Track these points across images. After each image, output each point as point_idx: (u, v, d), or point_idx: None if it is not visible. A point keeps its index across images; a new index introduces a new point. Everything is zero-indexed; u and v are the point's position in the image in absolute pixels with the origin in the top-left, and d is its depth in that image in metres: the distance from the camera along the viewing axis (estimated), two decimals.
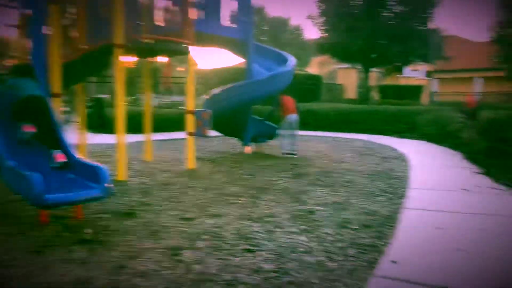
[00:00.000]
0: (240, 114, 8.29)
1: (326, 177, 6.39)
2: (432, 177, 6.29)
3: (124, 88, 6.06)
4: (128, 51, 6.24)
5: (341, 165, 7.47)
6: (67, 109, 10.79)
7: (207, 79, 17.55)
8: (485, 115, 8.36)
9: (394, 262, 3.08)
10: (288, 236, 3.73)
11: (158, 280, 2.83)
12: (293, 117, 8.48)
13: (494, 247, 3.36)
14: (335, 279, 2.86)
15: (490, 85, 26.17)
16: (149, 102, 7.82)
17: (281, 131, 8.60)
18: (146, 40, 6.21)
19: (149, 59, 7.44)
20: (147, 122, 7.78)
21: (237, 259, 3.21)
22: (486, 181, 5.93)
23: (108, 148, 9.04)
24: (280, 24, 31.04)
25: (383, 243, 3.56)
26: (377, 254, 3.31)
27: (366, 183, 5.99)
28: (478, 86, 32.87)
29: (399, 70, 22.72)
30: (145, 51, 6.76)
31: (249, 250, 3.39)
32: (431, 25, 16.91)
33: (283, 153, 8.44)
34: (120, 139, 6.00)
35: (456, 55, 31.42)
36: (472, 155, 7.85)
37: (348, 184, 5.95)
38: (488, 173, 6.38)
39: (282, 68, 8.01)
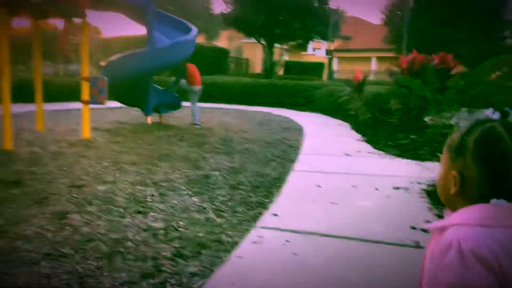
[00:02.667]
0: (141, 83, 8.11)
1: (225, 146, 6.61)
2: (322, 145, 6.82)
3: (10, 55, 5.64)
4: (14, 11, 5.76)
5: (240, 135, 7.75)
6: None
7: (111, 48, 16.63)
8: (370, 90, 9.18)
9: (275, 215, 3.38)
10: (181, 198, 3.87)
11: (42, 242, 2.79)
12: (199, 88, 8.64)
13: (361, 199, 3.82)
14: (221, 231, 3.07)
15: (385, 65, 28.43)
16: (39, 70, 7.28)
17: (190, 102, 8.64)
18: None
19: (42, 22, 6.91)
20: (38, 91, 7.26)
21: (127, 220, 3.27)
22: (366, 147, 6.60)
23: None
24: None
25: (269, 201, 3.86)
26: (262, 210, 3.59)
27: (261, 150, 6.32)
28: (374, 65, 35.40)
29: (303, 47, 23.60)
30: (34, 12, 6.28)
31: (140, 212, 3.46)
32: (331, 4, 17.86)
33: (194, 124, 8.51)
34: (5, 108, 5.58)
35: (354, 35, 33.44)
36: (358, 125, 8.63)
37: (245, 151, 6.23)
38: (369, 140, 7.09)
39: (184, 37, 7.95)
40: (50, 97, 11.18)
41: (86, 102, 6.62)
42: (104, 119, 9.31)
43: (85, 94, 6.61)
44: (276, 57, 19.47)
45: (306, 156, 5.89)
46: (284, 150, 6.39)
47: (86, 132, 6.71)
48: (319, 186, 4.28)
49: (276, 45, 19.06)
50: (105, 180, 4.41)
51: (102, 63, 7.62)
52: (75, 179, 4.37)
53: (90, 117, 6.79)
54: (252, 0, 16.95)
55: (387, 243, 2.82)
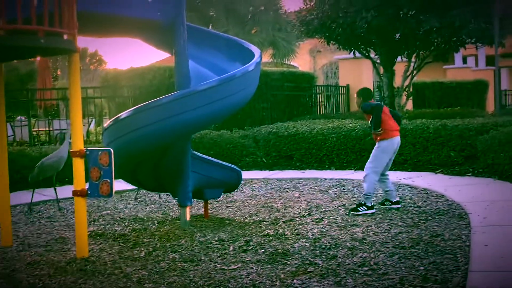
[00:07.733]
0: (171, 152, 8.15)
1: (324, 259, 6.28)
2: None
3: None
4: None
5: (349, 232, 7.40)
6: None
7: (121, 89, 17.45)
8: None
9: None
10: None
11: None
12: (397, 140, 8.88)
13: None
14: None
15: None
16: (3, 135, 7.57)
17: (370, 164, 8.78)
18: None
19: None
20: (2, 171, 7.49)
21: None
22: None
23: None
24: None
25: None
26: None
27: (393, 264, 5.95)
28: None
29: (444, 58, 23.05)
30: None
31: None
32: None
33: (390, 203, 8.63)
34: None
35: None
36: None
37: (364, 268, 5.86)
38: None
39: (241, 68, 7.98)
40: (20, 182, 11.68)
41: (80, 194, 6.66)
42: (112, 214, 9.47)
43: (79, 179, 6.67)
44: (398, 78, 19.06)
45: (484, 275, 5.39)
46: (436, 263, 5.95)
47: (82, 247, 6.75)
48: None
49: (398, 59, 18.74)
50: None
51: (105, 124, 7.80)
52: None
53: (87, 217, 6.83)
54: None
55: None
